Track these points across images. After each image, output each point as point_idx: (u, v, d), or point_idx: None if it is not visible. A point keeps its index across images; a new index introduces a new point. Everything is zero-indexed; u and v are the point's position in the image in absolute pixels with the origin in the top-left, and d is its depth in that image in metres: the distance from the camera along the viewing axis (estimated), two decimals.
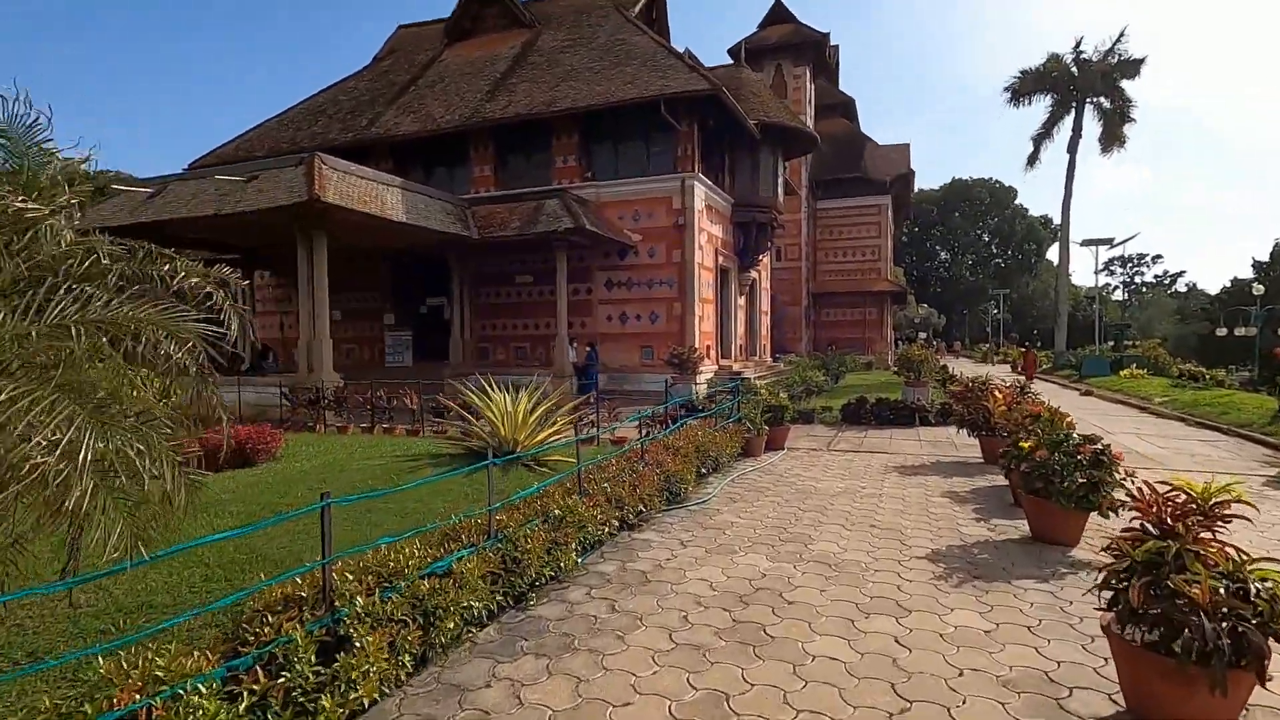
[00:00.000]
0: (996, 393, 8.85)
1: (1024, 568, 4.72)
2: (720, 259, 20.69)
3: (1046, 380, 26.98)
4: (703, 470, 7.54)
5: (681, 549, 5.21)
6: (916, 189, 70.07)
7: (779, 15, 39.00)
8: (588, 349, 18.19)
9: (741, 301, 23.16)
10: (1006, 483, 7.19)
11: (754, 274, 23.99)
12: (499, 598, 3.68)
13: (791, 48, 37.08)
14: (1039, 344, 61.21)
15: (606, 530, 5.09)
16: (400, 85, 23.62)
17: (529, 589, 4.03)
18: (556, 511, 4.57)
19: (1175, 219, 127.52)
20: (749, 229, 22.10)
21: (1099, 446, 5.07)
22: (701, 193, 18.87)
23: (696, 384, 17.78)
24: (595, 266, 19.45)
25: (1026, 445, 5.42)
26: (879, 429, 13.02)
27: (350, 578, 3.00)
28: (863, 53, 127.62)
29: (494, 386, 7.94)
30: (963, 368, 32.93)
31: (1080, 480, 4.91)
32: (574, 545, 4.51)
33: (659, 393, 16.70)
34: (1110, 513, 4.93)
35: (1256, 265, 37.73)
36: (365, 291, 22.53)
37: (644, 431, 9.78)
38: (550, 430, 7.51)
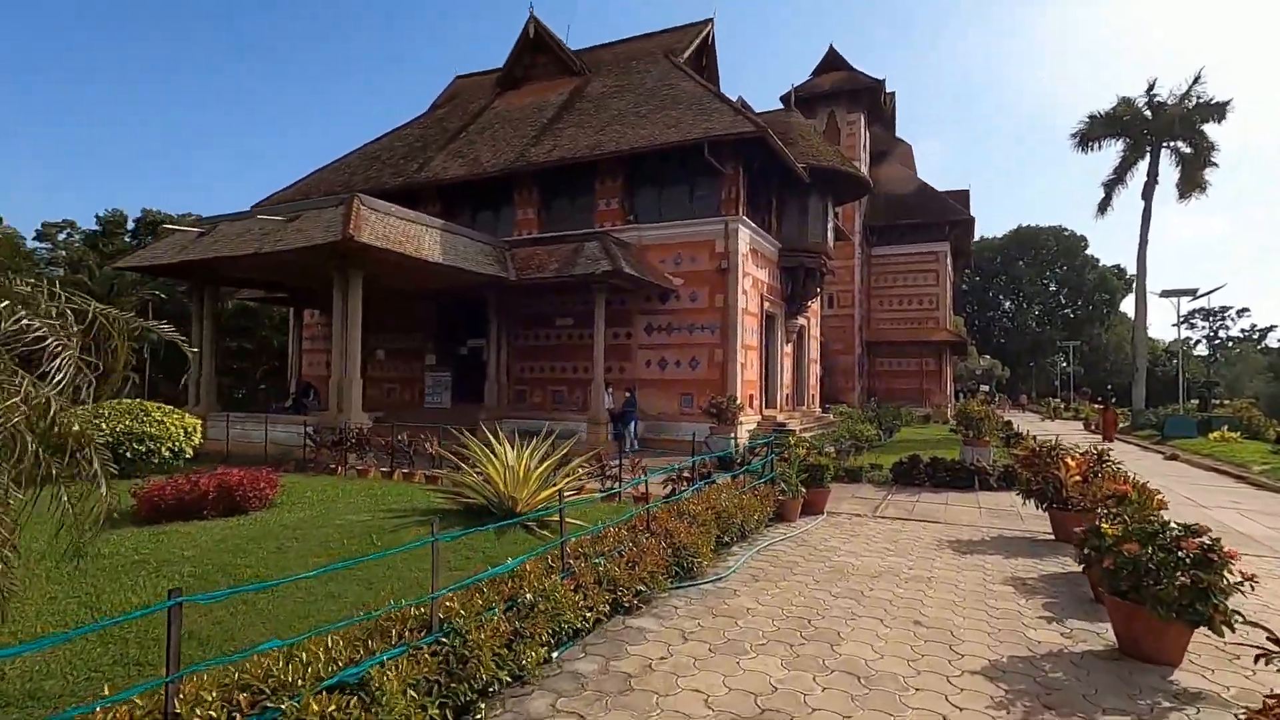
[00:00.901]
0: (1069, 459, 7.74)
1: (1111, 698, 3.71)
2: (766, 304, 19.92)
3: (1125, 440, 24.83)
4: (724, 539, 6.70)
5: (681, 643, 4.39)
6: (978, 237, 67.98)
7: (832, 63, 38.83)
8: (626, 394, 17.57)
9: (788, 349, 22.23)
10: (1083, 570, 6.12)
11: (802, 321, 23.08)
12: (433, 711, 2.96)
13: (845, 94, 36.71)
14: (1114, 400, 57.46)
15: (593, 616, 4.33)
16: (452, 132, 24.13)
17: (477, 697, 3.30)
18: (528, 596, 3.85)
19: (1260, 269, 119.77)
20: (797, 274, 21.31)
21: (1206, 540, 4.05)
22: (746, 236, 18.27)
23: (737, 436, 16.89)
24: (636, 310, 18.96)
25: (1110, 532, 4.43)
26: (933, 492, 11.84)
27: (212, 697, 2.35)
28: (920, 99, 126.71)
29: (499, 438, 7.33)
30: (1029, 425, 30.83)
31: (1182, 582, 3.91)
32: (545, 637, 3.77)
33: (700, 443, 15.91)
34: (1224, 628, 3.89)
35: None
36: (409, 331, 22.65)
37: (670, 489, 9.03)
38: (554, 489, 6.81)
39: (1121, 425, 29.58)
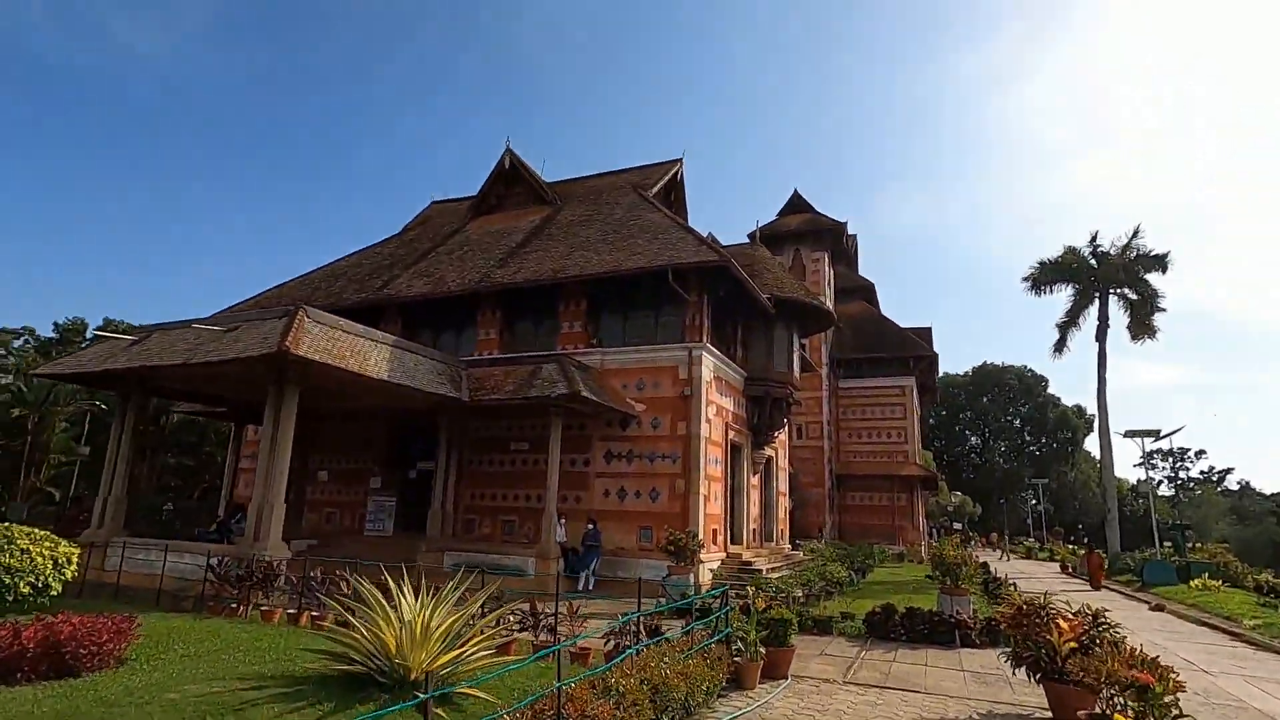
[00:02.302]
0: (1061, 621, 6.80)
1: None
2: (731, 433, 19.25)
3: (1108, 588, 23.71)
4: (662, 719, 5.51)
5: None
6: (943, 373, 69.65)
7: (797, 205, 41.03)
8: (588, 526, 16.31)
9: (755, 480, 21.33)
10: None
11: (769, 451, 22.37)
12: None
13: (809, 234, 38.47)
14: (1086, 540, 56.50)
15: None
16: (421, 252, 24.22)
17: None
18: None
19: (1217, 415, 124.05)
20: (763, 403, 20.87)
21: None
22: (710, 363, 17.92)
23: (698, 576, 15.56)
24: (595, 436, 18.12)
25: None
26: (911, 647, 10.63)
27: None
28: (882, 243, 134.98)
29: (400, 584, 6.17)
30: (1006, 567, 29.60)
31: None
32: None
33: (657, 584, 14.53)
34: None
35: None
36: (357, 452, 21.38)
37: (613, 645, 7.79)
38: (456, 653, 5.61)
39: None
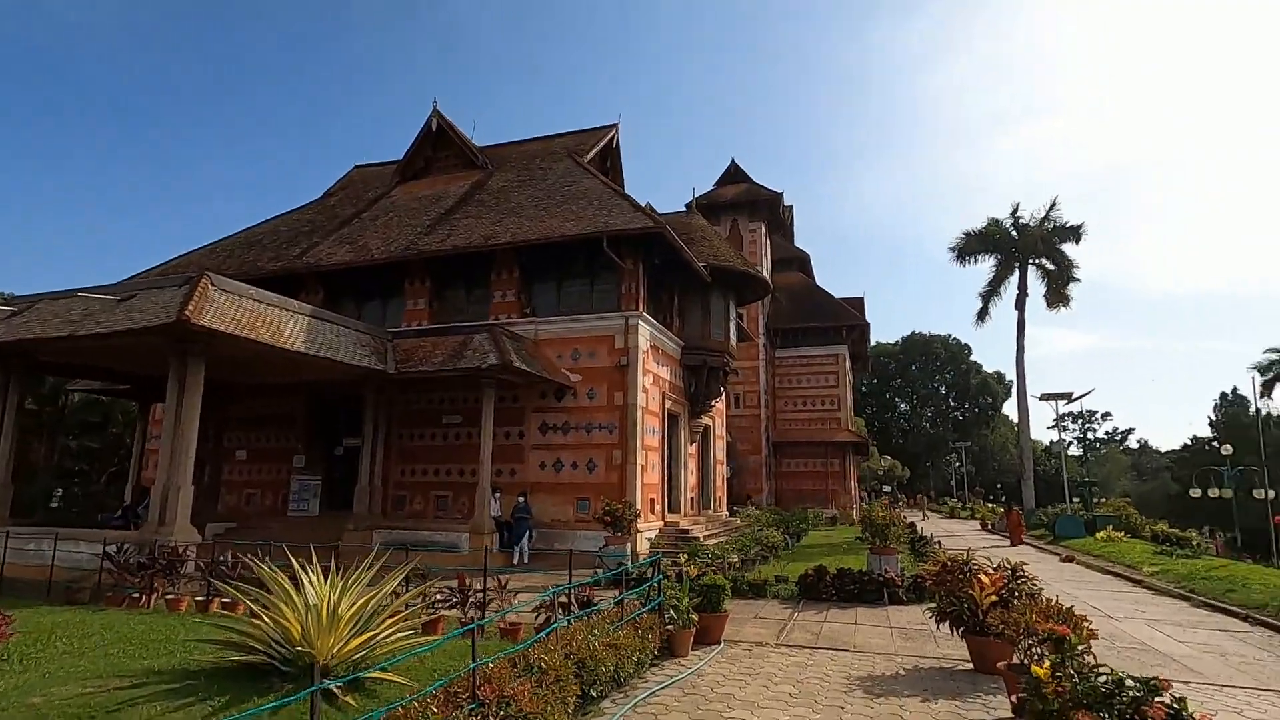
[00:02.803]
0: (983, 576, 6.96)
1: None
2: (668, 403, 19.18)
3: (1024, 543, 25.07)
4: (592, 693, 5.32)
5: None
6: (875, 342, 71.81)
7: (734, 176, 40.96)
8: (518, 500, 15.96)
9: (693, 449, 21.40)
10: (1010, 712, 5.16)
11: (707, 420, 22.46)
12: None
13: (746, 204, 38.50)
14: (1004, 498, 59.86)
15: None
16: (343, 218, 22.97)
17: None
18: None
19: (1118, 379, 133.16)
20: (700, 372, 20.85)
21: (1170, 702, 3.16)
22: (647, 332, 17.71)
23: (635, 545, 15.52)
24: (530, 408, 17.72)
25: (1051, 690, 3.49)
26: (841, 607, 10.85)
27: None
28: (816, 213, 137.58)
29: (306, 566, 5.73)
30: (931, 526, 30.98)
31: None
32: None
33: (595, 553, 14.39)
34: None
35: (1215, 424, 37.78)
36: (278, 429, 20.31)
37: (544, 619, 7.56)
38: (368, 635, 5.25)
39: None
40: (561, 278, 18.85)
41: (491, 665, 4.51)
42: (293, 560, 5.80)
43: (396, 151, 25.92)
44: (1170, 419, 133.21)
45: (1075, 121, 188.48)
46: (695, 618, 7.42)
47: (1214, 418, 41.64)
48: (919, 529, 23.50)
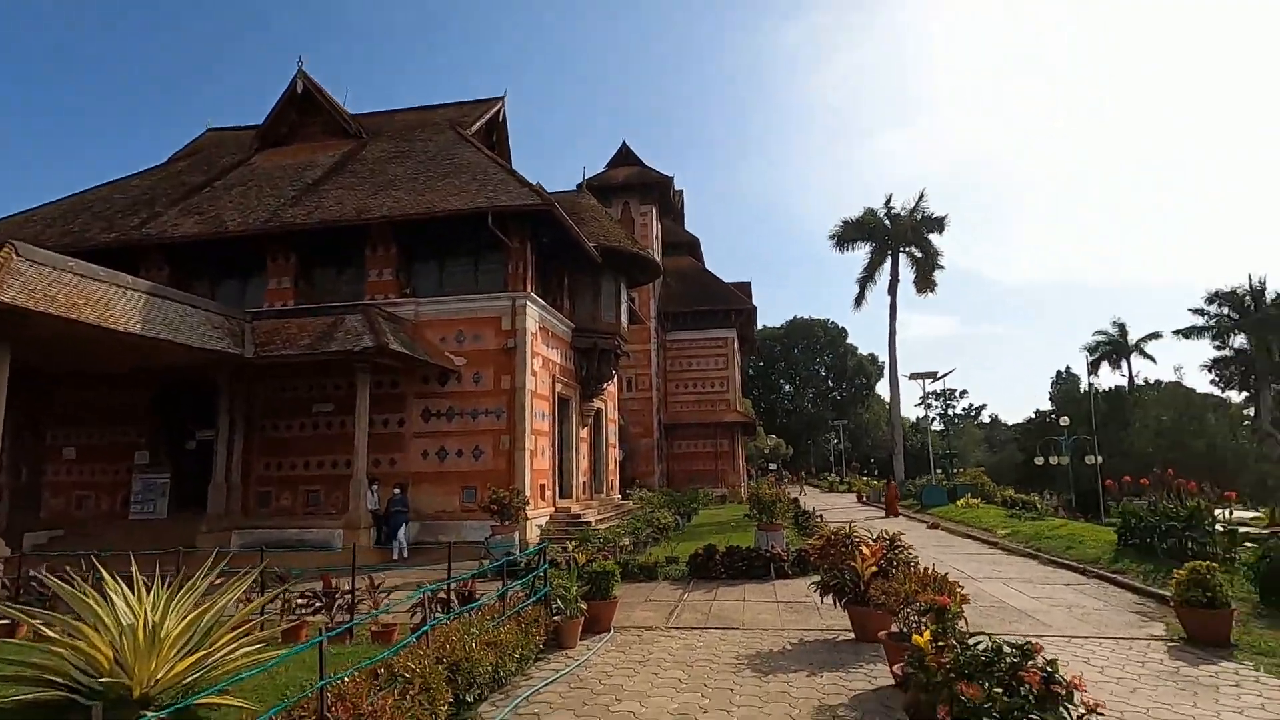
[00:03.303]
0: (864, 548, 7.13)
1: None
2: (558, 386, 18.73)
3: (898, 513, 26.81)
4: (467, 699, 4.89)
5: None
6: (761, 326, 74.45)
7: (626, 158, 40.74)
8: (395, 491, 15.01)
9: (584, 433, 21.10)
10: (891, 679, 5.27)
11: (599, 403, 22.23)
12: None
13: (638, 187, 38.43)
14: (876, 472, 64.26)
15: None
16: (193, 186, 20.59)
17: None
18: None
19: (974, 359, 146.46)
20: (591, 355, 20.54)
21: (1044, 665, 3.19)
22: (535, 314, 17.13)
23: (524, 533, 15.05)
24: (411, 394, 16.70)
25: (932, 661, 3.46)
26: (730, 584, 10.96)
27: None
28: (706, 199, 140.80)
29: (116, 576, 4.88)
30: (813, 500, 32.52)
31: None
32: None
33: (481, 544, 13.79)
34: None
35: (1053, 399, 42.21)
36: (116, 423, 18.00)
37: (420, 617, 6.99)
38: (199, 655, 4.53)
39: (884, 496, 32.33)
40: (444, 256, 17.86)
41: (348, 680, 3.98)
42: (102, 571, 4.92)
43: (259, 119, 23.51)
44: (1017, 395, 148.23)
45: (950, 119, 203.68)
46: (583, 607, 7.12)
47: (1052, 393, 46.67)
48: (801, 504, 24.53)
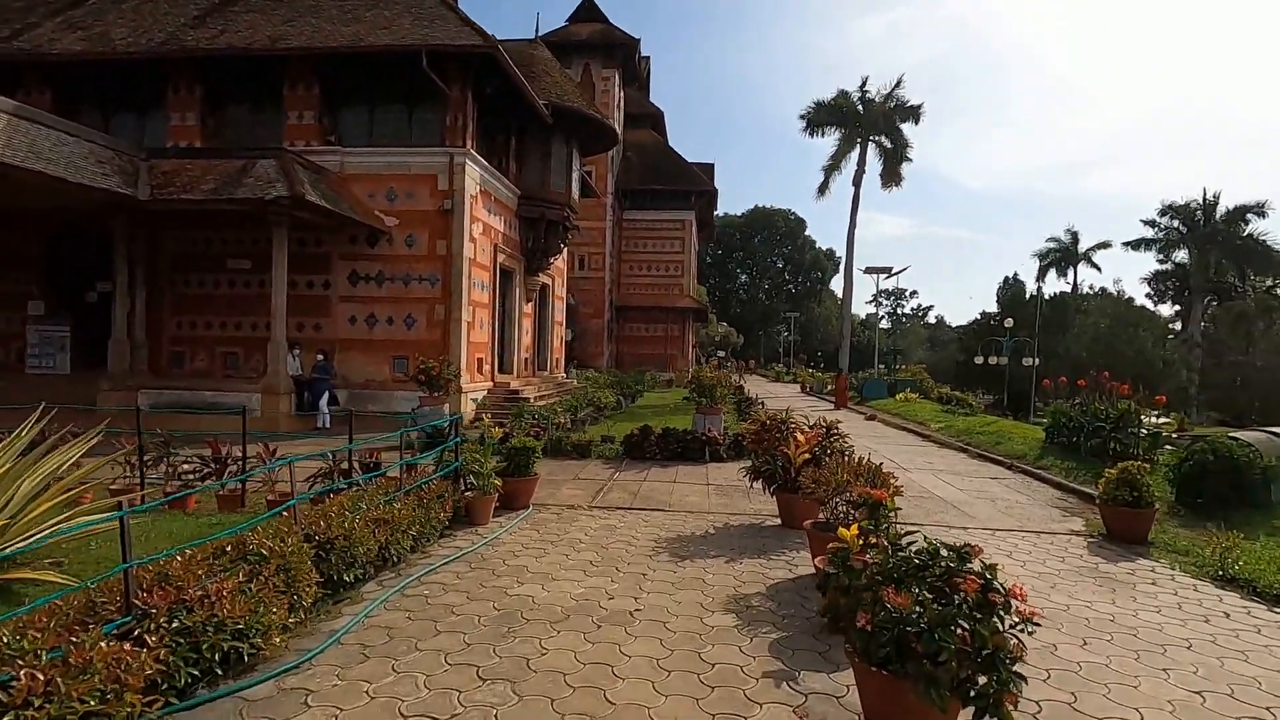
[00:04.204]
0: (799, 434, 6.75)
1: None
2: (501, 257, 17.61)
3: (831, 400, 27.33)
4: (346, 578, 4.37)
5: None
6: (722, 213, 72.61)
7: (589, 13, 37.10)
8: (318, 357, 14.12)
9: (528, 308, 20.24)
10: (812, 569, 4.99)
11: (545, 279, 21.21)
12: None
13: (601, 47, 35.30)
14: (823, 365, 65.83)
15: None
16: None
17: None
18: None
19: (927, 261, 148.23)
20: (538, 226, 19.28)
21: (981, 570, 2.76)
22: (476, 174, 15.69)
23: (461, 406, 14.52)
24: (338, 254, 15.41)
25: (857, 560, 3.00)
26: (664, 465, 10.75)
27: None
28: (673, 73, 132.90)
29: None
30: (758, 388, 32.94)
31: (962, 649, 2.55)
32: None
33: (408, 415, 13.21)
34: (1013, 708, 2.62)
35: (1000, 302, 42.97)
36: (4, 268, 16.24)
37: (319, 487, 6.42)
38: (43, 509, 3.83)
39: (829, 389, 32.97)
40: (374, 102, 15.97)
41: (177, 558, 3.34)
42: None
43: None
44: (966, 300, 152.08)
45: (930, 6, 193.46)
46: (497, 483, 6.64)
47: (999, 297, 47.53)
48: (745, 390, 24.64)
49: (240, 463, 6.81)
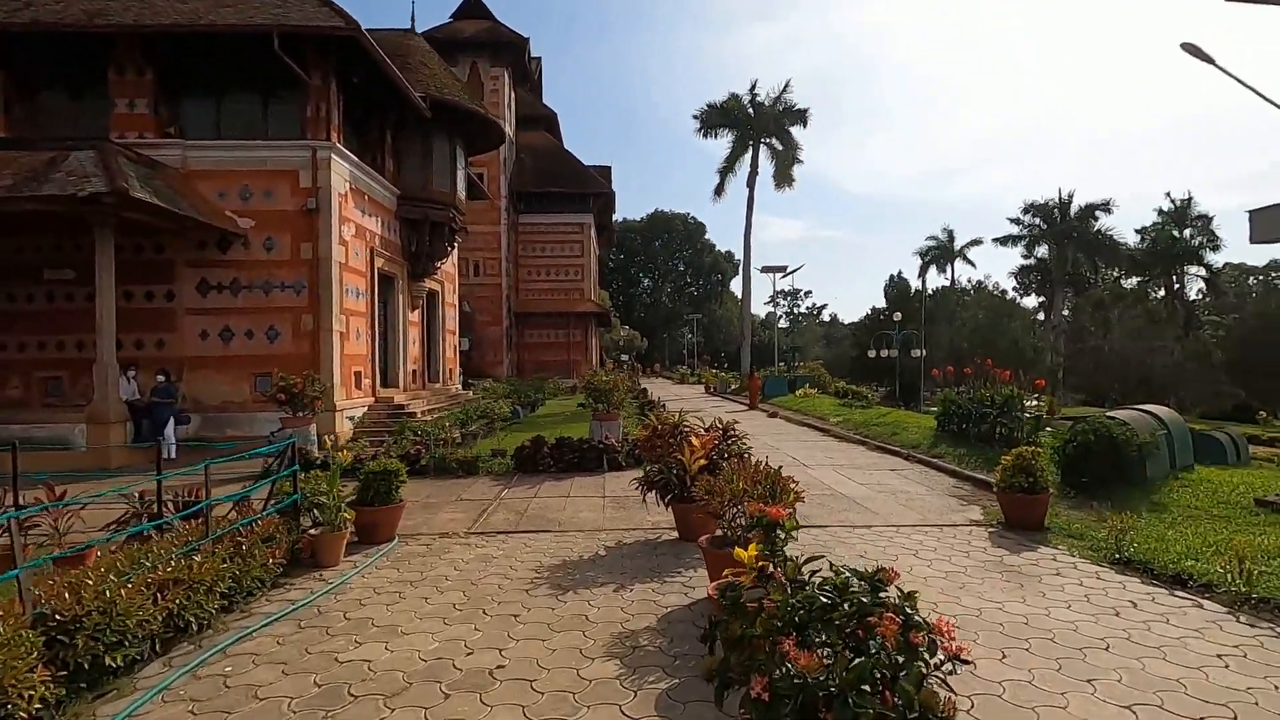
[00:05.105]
0: (694, 439, 6.17)
1: None
2: (380, 260, 16.23)
3: (735, 400, 27.42)
4: (107, 664, 3.32)
5: None
6: (622, 218, 72.45)
7: (475, 10, 35.77)
8: (158, 378, 12.33)
9: (415, 316, 18.86)
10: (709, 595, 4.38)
11: (433, 284, 19.88)
12: None
13: (489, 45, 34.06)
14: (726, 365, 66.94)
15: None
16: None
17: None
18: None
19: (818, 262, 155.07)
20: (421, 228, 18.00)
21: (901, 604, 2.18)
22: (344, 170, 14.32)
23: (334, 425, 13.12)
24: (182, 261, 13.61)
25: (748, 560, 2.39)
26: (559, 478, 9.96)
27: None
28: (567, 77, 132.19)
29: None
30: (662, 390, 32.68)
31: (879, 718, 1.96)
32: None
33: (267, 438, 11.70)
34: None
35: (888, 298, 45.02)
36: None
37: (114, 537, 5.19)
38: None
39: (733, 387, 33.17)
40: (223, 90, 14.31)
41: None
42: None
43: None
44: (856, 298, 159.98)
45: (816, 16, 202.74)
46: (347, 516, 5.64)
47: (886, 293, 49.98)
48: (649, 394, 24.17)
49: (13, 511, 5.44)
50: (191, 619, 3.91)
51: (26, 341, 13.54)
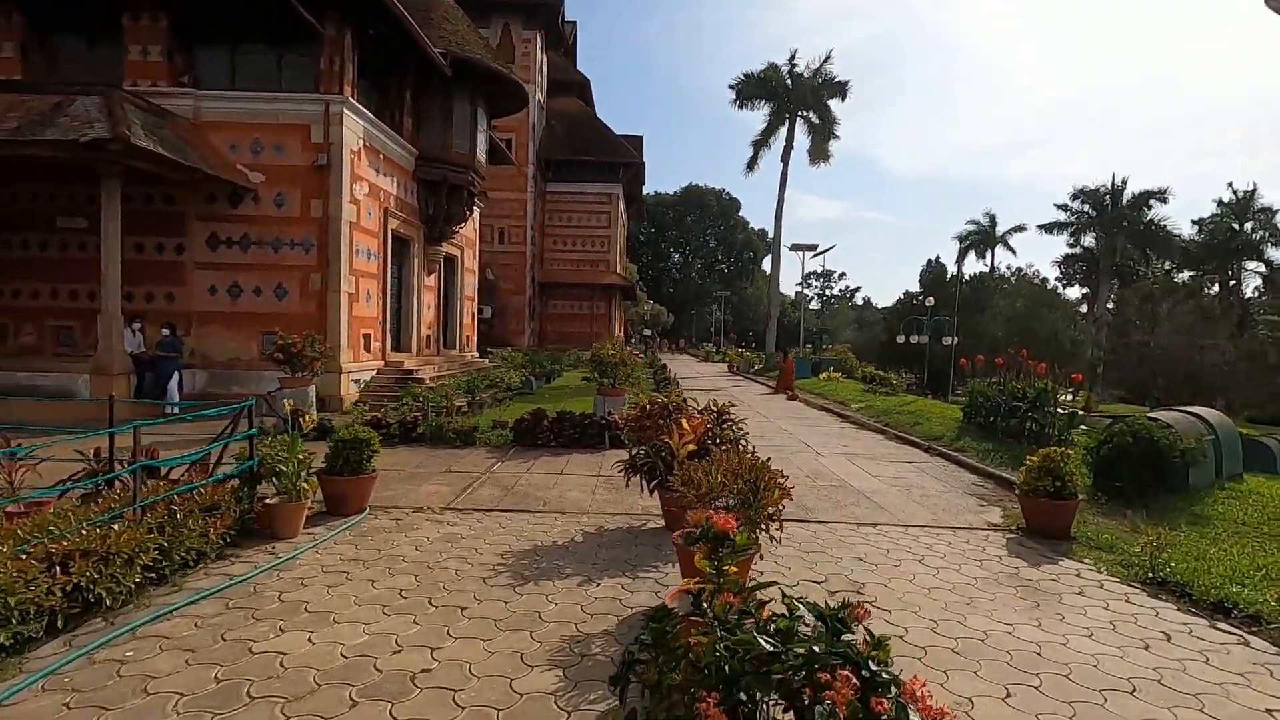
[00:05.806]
0: (685, 421, 5.66)
1: None
2: (394, 222, 15.88)
3: (757, 381, 26.79)
4: None
5: None
6: (654, 191, 71.39)
7: None
8: (163, 331, 12.21)
9: (431, 281, 18.55)
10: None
11: (451, 249, 19.53)
12: None
13: (522, 7, 33.16)
14: (754, 345, 65.98)
15: None
16: None
17: None
18: None
19: (856, 243, 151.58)
20: (439, 190, 17.58)
21: (864, 658, 1.66)
22: (358, 126, 13.92)
23: (339, 388, 12.93)
24: (193, 214, 13.41)
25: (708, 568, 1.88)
26: (557, 453, 9.58)
27: None
28: (603, 44, 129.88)
29: None
30: (686, 368, 32.16)
31: None
32: None
33: (267, 397, 11.51)
34: None
35: (923, 283, 43.56)
36: None
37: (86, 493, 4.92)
38: None
39: (756, 367, 32.45)
40: (237, 40, 13.96)
41: None
42: None
43: None
44: (893, 282, 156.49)
45: None
46: (305, 487, 5.28)
47: (922, 278, 48.38)
48: (669, 370, 23.68)
49: None
50: (104, 594, 3.57)
51: (40, 289, 13.54)
